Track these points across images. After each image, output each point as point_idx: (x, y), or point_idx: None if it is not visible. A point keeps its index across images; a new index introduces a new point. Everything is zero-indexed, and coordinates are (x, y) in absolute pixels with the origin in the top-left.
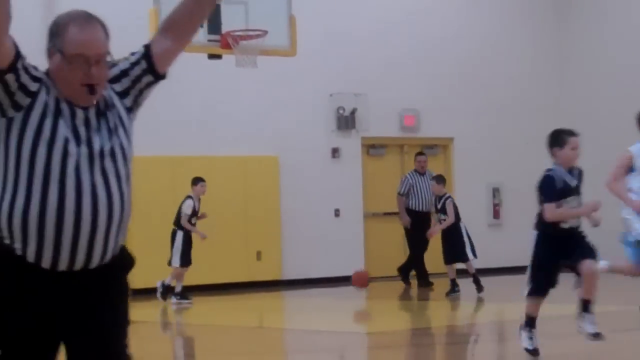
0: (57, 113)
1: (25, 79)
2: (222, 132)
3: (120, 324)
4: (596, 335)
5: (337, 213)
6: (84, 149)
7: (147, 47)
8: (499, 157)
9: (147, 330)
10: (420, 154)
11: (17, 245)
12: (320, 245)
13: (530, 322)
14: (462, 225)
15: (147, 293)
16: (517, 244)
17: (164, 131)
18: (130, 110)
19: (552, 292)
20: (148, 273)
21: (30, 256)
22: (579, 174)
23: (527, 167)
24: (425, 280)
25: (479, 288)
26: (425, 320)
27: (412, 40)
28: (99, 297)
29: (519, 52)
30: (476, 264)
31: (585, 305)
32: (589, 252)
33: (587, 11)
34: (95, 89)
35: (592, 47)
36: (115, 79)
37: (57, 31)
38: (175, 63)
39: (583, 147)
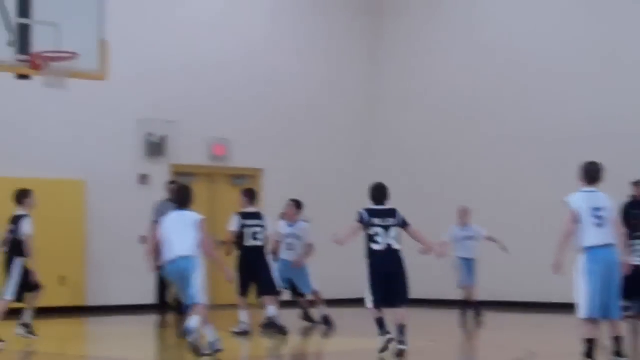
0: None
1: None
2: (28, 154)
3: None
4: None
5: (143, 240)
6: None
7: None
8: (308, 191)
9: None
10: (171, 182)
11: None
12: (126, 272)
13: None
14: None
15: None
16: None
17: None
18: None
19: None
20: None
21: None
22: None
23: (335, 203)
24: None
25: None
26: None
27: (226, 69)
28: None
29: (334, 88)
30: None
31: None
32: None
33: (399, 48)
34: None
35: (404, 83)
36: None
37: None
38: None
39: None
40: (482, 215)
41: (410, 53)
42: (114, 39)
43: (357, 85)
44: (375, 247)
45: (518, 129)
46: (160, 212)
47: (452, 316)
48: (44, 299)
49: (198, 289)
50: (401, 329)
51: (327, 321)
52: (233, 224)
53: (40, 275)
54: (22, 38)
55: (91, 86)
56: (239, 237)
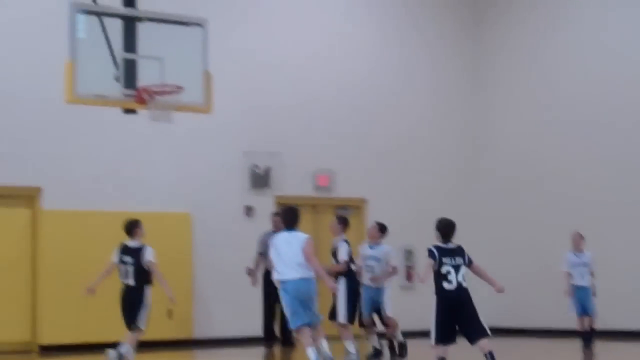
0: None
1: None
2: (135, 188)
3: None
4: None
5: (249, 272)
6: None
7: None
8: (413, 220)
9: None
10: (275, 214)
11: None
12: (232, 305)
13: None
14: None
15: (57, 350)
16: (430, 307)
17: (75, 185)
18: None
19: None
20: (59, 330)
21: None
22: None
23: None
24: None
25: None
26: None
27: (328, 101)
28: None
29: (433, 115)
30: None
31: None
32: None
33: (501, 82)
34: None
35: (505, 108)
36: None
37: None
38: (89, 116)
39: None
40: (593, 241)
41: (512, 79)
42: (218, 71)
43: (458, 112)
44: (447, 286)
45: (634, 151)
46: (265, 244)
47: (565, 346)
48: (152, 332)
49: (317, 307)
50: (491, 355)
51: (392, 349)
52: (344, 253)
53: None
54: (128, 73)
55: (196, 119)
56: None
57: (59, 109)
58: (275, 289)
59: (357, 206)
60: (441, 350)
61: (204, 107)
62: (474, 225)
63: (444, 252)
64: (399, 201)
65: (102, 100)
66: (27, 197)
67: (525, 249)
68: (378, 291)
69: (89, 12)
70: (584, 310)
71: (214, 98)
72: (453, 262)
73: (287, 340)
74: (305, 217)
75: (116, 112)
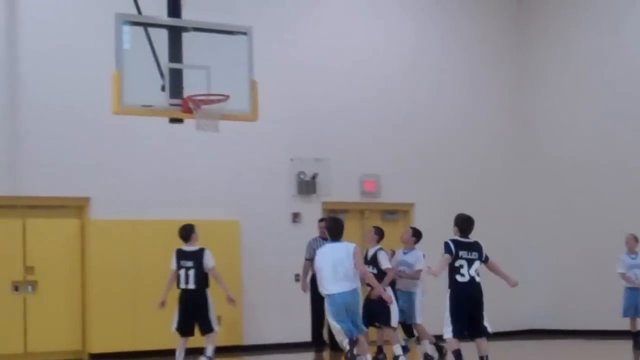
0: None
1: None
2: (183, 196)
3: None
4: None
5: (297, 278)
6: None
7: None
8: None
9: None
10: (322, 220)
11: None
12: (280, 310)
13: None
14: None
15: (107, 358)
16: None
17: (123, 195)
18: None
19: None
20: (109, 338)
21: None
22: None
23: (488, 233)
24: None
25: None
26: None
27: (373, 106)
28: None
29: (480, 119)
30: (437, 329)
31: None
32: None
33: (546, 80)
34: None
35: (550, 105)
36: None
37: None
38: (137, 126)
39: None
40: None
41: (557, 77)
42: (263, 79)
43: (501, 112)
44: (460, 279)
45: None
46: (313, 250)
47: (614, 347)
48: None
49: (361, 318)
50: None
51: (440, 351)
52: (387, 260)
53: None
54: (174, 82)
55: (243, 127)
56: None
57: (107, 119)
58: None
59: (403, 210)
60: (456, 343)
61: (250, 115)
62: (521, 226)
63: (461, 246)
64: (446, 204)
65: (148, 110)
66: (75, 207)
67: (574, 250)
68: (409, 296)
69: (134, 23)
70: (637, 311)
71: (260, 106)
72: (469, 255)
73: (336, 345)
74: (352, 223)
75: (163, 122)
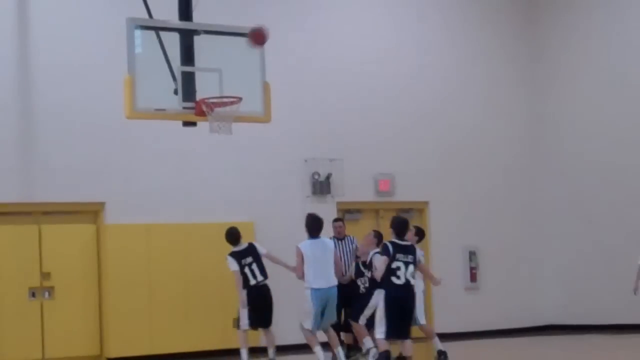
0: None
1: None
2: (197, 199)
3: None
4: None
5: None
6: None
7: None
8: (475, 221)
9: None
10: (336, 220)
11: None
12: (297, 311)
13: None
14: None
15: None
16: (494, 307)
17: (138, 199)
18: None
19: None
20: (126, 342)
21: None
22: None
23: (504, 230)
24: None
25: None
26: None
27: (386, 105)
28: None
29: (495, 118)
30: (453, 327)
31: None
32: None
33: (562, 78)
34: None
35: (567, 105)
36: None
37: None
38: (150, 130)
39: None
40: None
41: (573, 75)
42: (276, 80)
43: (518, 111)
44: (396, 281)
45: None
46: None
47: (629, 341)
48: (218, 342)
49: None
50: None
51: (440, 355)
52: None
53: (215, 318)
54: (186, 85)
55: (256, 129)
56: None
57: (120, 124)
58: (339, 294)
59: (418, 209)
60: (387, 344)
61: (264, 117)
62: (537, 223)
63: (398, 248)
64: (460, 203)
65: (161, 114)
66: (90, 212)
67: (589, 246)
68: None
69: (146, 27)
70: None
71: (273, 107)
72: (405, 258)
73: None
74: (367, 222)
75: (176, 126)
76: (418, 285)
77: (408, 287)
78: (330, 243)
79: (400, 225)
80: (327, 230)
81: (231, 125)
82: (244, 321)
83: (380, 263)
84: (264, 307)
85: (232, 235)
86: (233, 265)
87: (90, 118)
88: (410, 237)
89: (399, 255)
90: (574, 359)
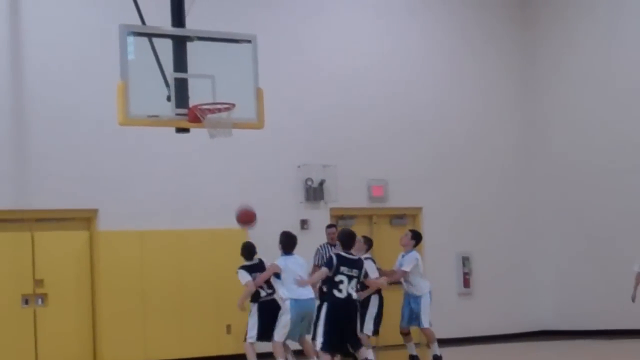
0: None
1: None
2: (190, 206)
3: None
4: None
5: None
6: None
7: None
8: (469, 226)
9: None
10: (329, 226)
11: None
12: None
13: None
14: None
15: None
16: (488, 313)
17: (131, 206)
18: None
19: None
20: (119, 349)
21: None
22: None
23: (497, 235)
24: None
25: None
26: None
27: (379, 111)
28: None
29: (489, 124)
30: (446, 333)
31: None
32: None
33: (554, 86)
34: None
35: (561, 108)
36: None
37: None
38: (143, 136)
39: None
40: None
41: (565, 83)
42: (269, 86)
43: (511, 117)
44: (337, 294)
45: None
46: (321, 256)
47: (624, 346)
48: (211, 348)
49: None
50: None
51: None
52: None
53: (209, 324)
54: (180, 92)
55: (249, 135)
56: None
57: (113, 130)
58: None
59: (411, 215)
60: (328, 357)
61: (257, 123)
62: (531, 228)
63: (344, 261)
64: (454, 208)
65: (154, 120)
66: (83, 219)
67: (583, 250)
68: (419, 299)
69: (139, 34)
70: None
71: (266, 113)
72: (350, 272)
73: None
74: (361, 228)
75: (169, 132)
76: (425, 286)
77: (349, 301)
78: (303, 260)
79: (346, 238)
80: (321, 238)
81: (224, 131)
82: (252, 333)
83: (317, 275)
84: (273, 320)
85: (248, 250)
86: (246, 278)
87: (84, 125)
88: (406, 242)
89: (343, 269)
90: None
